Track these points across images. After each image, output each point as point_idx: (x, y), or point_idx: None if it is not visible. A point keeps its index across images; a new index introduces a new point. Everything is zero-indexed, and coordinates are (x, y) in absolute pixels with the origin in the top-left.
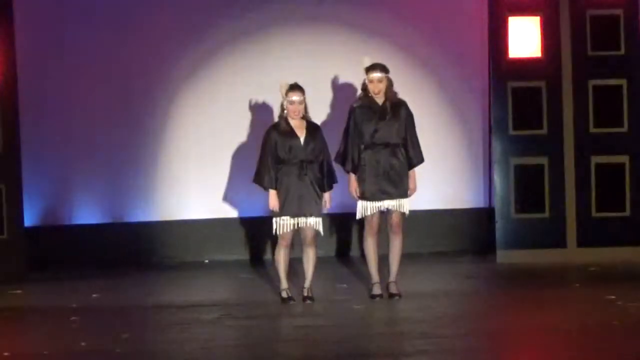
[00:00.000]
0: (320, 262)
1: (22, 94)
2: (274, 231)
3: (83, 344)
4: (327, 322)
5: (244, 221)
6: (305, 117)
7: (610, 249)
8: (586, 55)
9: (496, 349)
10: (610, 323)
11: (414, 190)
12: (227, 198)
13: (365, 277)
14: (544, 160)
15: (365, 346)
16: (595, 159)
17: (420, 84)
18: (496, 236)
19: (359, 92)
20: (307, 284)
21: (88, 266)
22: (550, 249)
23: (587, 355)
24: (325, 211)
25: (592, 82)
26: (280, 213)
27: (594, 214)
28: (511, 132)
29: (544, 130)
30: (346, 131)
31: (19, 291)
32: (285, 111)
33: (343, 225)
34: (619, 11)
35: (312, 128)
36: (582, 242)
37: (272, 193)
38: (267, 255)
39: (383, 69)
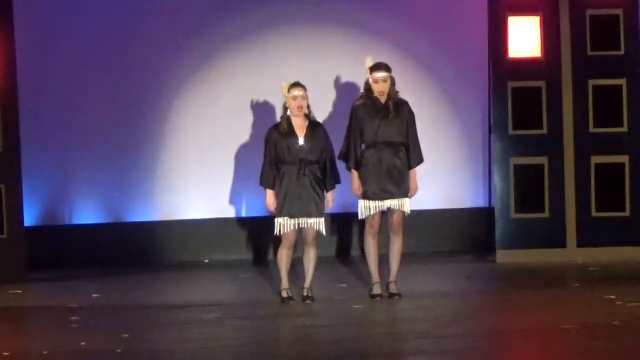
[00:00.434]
0: (320, 262)
1: (22, 94)
2: (275, 232)
3: (83, 344)
4: (327, 322)
5: (244, 221)
6: (308, 117)
7: (610, 249)
8: (586, 55)
9: (496, 349)
10: (610, 323)
11: (416, 190)
12: (227, 198)
13: (365, 277)
14: (544, 160)
15: (365, 346)
16: (595, 159)
17: (420, 83)
18: (496, 236)
19: (362, 91)
20: (307, 284)
21: (88, 266)
22: (550, 249)
23: (587, 355)
24: (327, 211)
25: (592, 82)
26: (280, 214)
27: (594, 214)
28: (511, 132)
29: (544, 130)
30: (349, 130)
31: (19, 291)
32: (288, 110)
33: (343, 225)
34: (619, 11)
35: (313, 128)
36: (582, 242)
37: (269, 193)
38: (267, 255)
39: (387, 68)
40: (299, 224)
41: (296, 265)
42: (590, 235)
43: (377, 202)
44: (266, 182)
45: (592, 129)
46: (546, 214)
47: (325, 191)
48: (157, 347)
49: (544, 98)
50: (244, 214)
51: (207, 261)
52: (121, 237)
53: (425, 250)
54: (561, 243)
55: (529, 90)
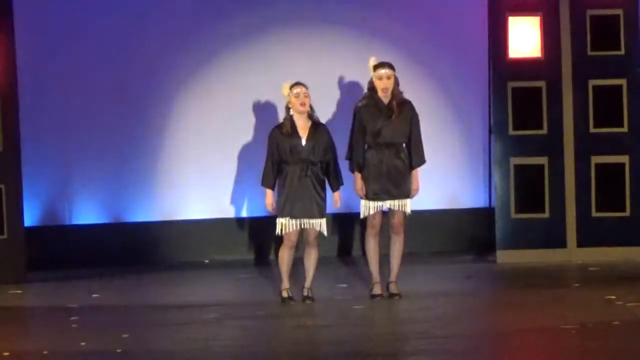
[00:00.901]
0: (321, 261)
1: (22, 94)
2: (277, 232)
3: (83, 344)
4: (327, 322)
5: (244, 221)
6: (311, 117)
7: (610, 249)
8: (586, 55)
9: (496, 349)
10: (610, 323)
11: (417, 190)
12: (227, 198)
13: (365, 277)
14: (544, 160)
15: (365, 346)
16: (595, 159)
17: (420, 83)
18: (496, 236)
19: (364, 91)
20: (307, 284)
21: (88, 266)
22: (550, 249)
23: (587, 355)
24: (335, 210)
25: (592, 82)
26: (282, 214)
27: (594, 214)
28: (511, 132)
29: (544, 130)
30: (351, 131)
31: (19, 291)
32: (291, 110)
33: (344, 225)
34: (619, 11)
35: (316, 128)
36: (582, 242)
37: (268, 192)
38: (267, 256)
39: (391, 66)
40: (300, 224)
41: (297, 265)
42: (590, 235)
43: (377, 202)
44: (267, 181)
45: (592, 129)
46: (546, 214)
47: (325, 191)
48: (157, 347)
49: (544, 98)
50: (244, 214)
51: (207, 261)
52: (121, 237)
53: (425, 250)
54: (561, 243)
55: (529, 90)
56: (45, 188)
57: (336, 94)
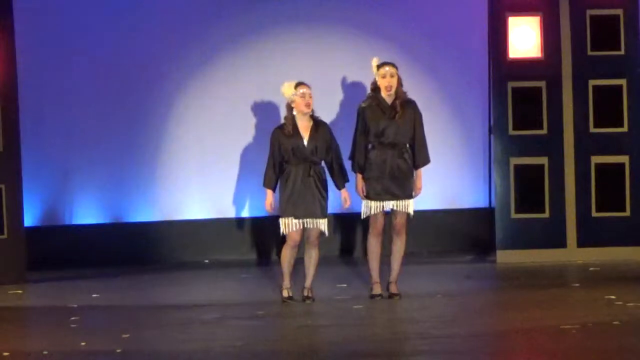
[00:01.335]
0: (321, 261)
1: (22, 94)
2: (280, 231)
3: (83, 344)
4: (327, 322)
5: (244, 221)
6: (312, 116)
7: (610, 249)
8: (586, 55)
9: (496, 349)
10: (610, 323)
11: (420, 189)
12: (227, 198)
13: (365, 277)
14: (544, 160)
15: (365, 346)
16: (595, 159)
17: (421, 83)
18: (496, 236)
19: (368, 92)
20: (307, 283)
21: (88, 266)
22: (550, 249)
23: (587, 355)
24: (335, 209)
25: (592, 82)
26: (285, 214)
27: (594, 214)
28: (511, 132)
29: (544, 130)
30: (355, 131)
31: (19, 291)
32: (294, 110)
33: (345, 225)
34: (619, 11)
35: (318, 128)
36: (582, 242)
37: (268, 193)
38: (267, 256)
39: (394, 65)
40: (303, 224)
41: (297, 264)
42: (590, 235)
43: (379, 202)
44: (268, 182)
45: (592, 129)
46: (546, 214)
47: (327, 191)
48: (157, 347)
49: (544, 98)
50: (244, 214)
51: (207, 261)
52: (121, 237)
53: (425, 250)
54: (561, 243)
55: (529, 90)
56: (45, 188)
57: (337, 94)
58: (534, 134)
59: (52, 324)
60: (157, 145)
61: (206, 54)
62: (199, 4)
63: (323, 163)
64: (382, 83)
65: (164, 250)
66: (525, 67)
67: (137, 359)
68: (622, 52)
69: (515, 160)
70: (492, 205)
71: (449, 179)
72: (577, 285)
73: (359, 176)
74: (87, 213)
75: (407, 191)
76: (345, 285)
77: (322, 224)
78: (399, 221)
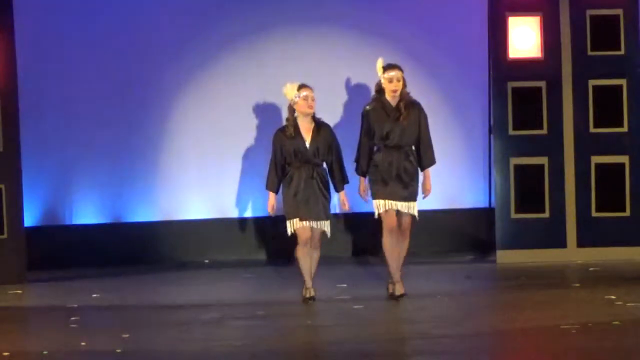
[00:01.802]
0: (322, 261)
1: (22, 94)
2: (288, 232)
3: (83, 344)
4: (327, 322)
5: (244, 221)
6: (314, 118)
7: (610, 249)
8: (586, 55)
9: (496, 349)
10: (610, 323)
11: (430, 190)
12: (227, 198)
13: (365, 278)
14: (544, 160)
15: (365, 346)
16: (595, 159)
17: (420, 83)
18: (496, 236)
19: (371, 92)
20: (308, 284)
21: (88, 266)
22: (550, 249)
23: (587, 355)
24: (347, 211)
25: (592, 82)
26: (289, 216)
27: (594, 214)
28: (511, 132)
29: (544, 130)
30: (360, 134)
31: (19, 291)
32: (296, 112)
33: (347, 225)
34: (619, 11)
35: (319, 129)
36: (582, 242)
37: (271, 195)
38: (268, 256)
39: (400, 68)
40: (309, 225)
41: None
42: (590, 235)
43: (389, 201)
44: (270, 185)
45: (592, 129)
46: (546, 214)
47: (330, 193)
48: (157, 347)
49: (544, 98)
50: (244, 214)
51: (207, 261)
52: (121, 237)
53: (425, 250)
54: (561, 243)
55: (529, 90)
56: (45, 188)
57: (337, 94)
58: (534, 134)
59: (52, 324)
60: (157, 145)
61: (206, 54)
62: (199, 4)
63: (325, 164)
64: (388, 87)
65: (164, 250)
66: (525, 67)
67: (137, 359)
68: (622, 52)
69: (515, 160)
70: (492, 205)
71: (449, 179)
72: (577, 285)
73: (362, 180)
74: (87, 213)
75: (412, 193)
76: (345, 285)
77: (325, 226)
78: (405, 223)
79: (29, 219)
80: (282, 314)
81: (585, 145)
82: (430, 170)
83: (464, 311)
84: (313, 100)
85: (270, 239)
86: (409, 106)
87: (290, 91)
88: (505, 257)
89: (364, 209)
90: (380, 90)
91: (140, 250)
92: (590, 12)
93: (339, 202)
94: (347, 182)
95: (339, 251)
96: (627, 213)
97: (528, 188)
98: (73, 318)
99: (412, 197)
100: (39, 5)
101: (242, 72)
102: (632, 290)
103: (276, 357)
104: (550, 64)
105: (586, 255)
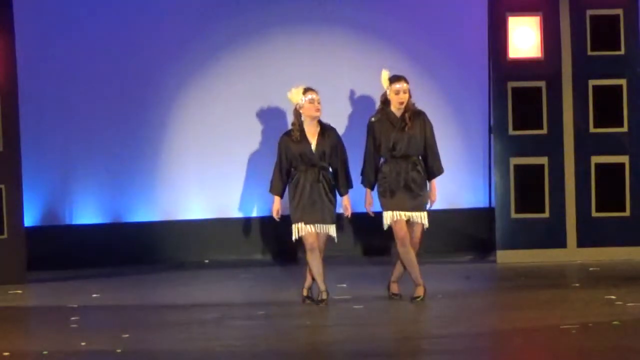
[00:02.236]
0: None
1: (22, 94)
2: (293, 237)
3: (83, 344)
4: (327, 322)
5: (244, 221)
6: (320, 122)
7: (610, 249)
8: (586, 55)
9: (496, 348)
10: (610, 323)
11: (435, 200)
12: (227, 198)
13: (365, 278)
14: (544, 160)
15: (365, 346)
16: (595, 159)
17: (420, 84)
18: (496, 236)
19: (374, 100)
20: (307, 284)
21: (88, 266)
22: (550, 249)
23: (587, 355)
24: (348, 216)
25: (592, 82)
26: (295, 220)
27: (594, 214)
28: (511, 132)
29: (544, 130)
30: (366, 147)
31: (19, 291)
32: (302, 116)
33: (347, 225)
34: (619, 11)
35: (325, 132)
36: (582, 242)
37: (276, 199)
38: (267, 256)
39: (406, 80)
40: (315, 229)
41: (300, 266)
42: (590, 235)
43: (398, 211)
44: (275, 189)
45: (592, 129)
46: (546, 214)
47: (336, 196)
48: (157, 347)
49: (544, 98)
50: (244, 214)
51: (207, 261)
52: (121, 237)
53: (425, 250)
54: (561, 243)
55: (529, 90)
56: (45, 188)
57: (337, 94)
58: (534, 134)
59: (52, 324)
60: (157, 145)
61: (206, 54)
62: (199, 4)
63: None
64: (395, 99)
65: (164, 250)
66: (525, 67)
67: (137, 359)
68: (622, 52)
69: (515, 160)
70: (492, 205)
71: (449, 179)
72: (577, 285)
73: (368, 192)
74: (87, 213)
75: (421, 203)
76: (345, 285)
77: (331, 230)
78: (416, 234)
79: (29, 219)
80: (282, 314)
81: (585, 145)
82: None
83: (464, 311)
84: (319, 102)
85: (270, 239)
86: (414, 116)
87: (295, 95)
88: (505, 257)
89: (365, 209)
90: (385, 101)
91: (140, 250)
92: (590, 12)
93: (341, 206)
94: (351, 187)
95: (339, 251)
96: (627, 213)
97: (528, 188)
98: (73, 318)
99: (421, 207)
100: (39, 5)
101: (242, 72)
102: (632, 290)
103: (276, 357)
104: (550, 64)
105: (586, 255)
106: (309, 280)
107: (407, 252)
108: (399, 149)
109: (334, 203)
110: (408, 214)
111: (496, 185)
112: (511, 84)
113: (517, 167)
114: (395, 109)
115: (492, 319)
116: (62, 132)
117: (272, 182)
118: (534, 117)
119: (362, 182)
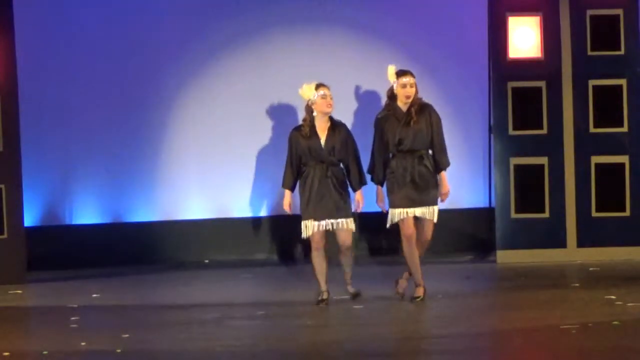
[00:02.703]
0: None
1: (22, 93)
2: (302, 235)
3: (83, 344)
4: (327, 322)
5: (244, 221)
6: (330, 117)
7: (610, 249)
8: (586, 55)
9: (496, 348)
10: (610, 323)
11: (448, 193)
12: (227, 198)
13: (365, 278)
14: (544, 160)
15: (365, 346)
16: (595, 159)
17: (420, 83)
18: (496, 236)
19: (384, 100)
20: (348, 278)
21: (88, 266)
22: (550, 249)
23: (587, 355)
24: (358, 211)
25: (592, 82)
26: (305, 216)
27: (594, 214)
28: (511, 132)
29: (544, 130)
30: (373, 144)
31: (19, 291)
32: (314, 112)
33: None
34: (619, 11)
35: (335, 128)
36: (582, 242)
37: (286, 193)
38: (267, 256)
39: (412, 74)
40: (325, 226)
41: (304, 267)
42: (590, 235)
43: (404, 209)
44: (286, 183)
45: (592, 129)
46: (546, 214)
47: (348, 191)
48: (157, 347)
49: (544, 98)
50: (244, 214)
51: (207, 261)
52: (121, 237)
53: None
54: (561, 243)
55: (529, 90)
56: (45, 188)
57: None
58: (534, 134)
59: (52, 324)
60: (157, 145)
61: (206, 54)
62: (199, 4)
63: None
64: (401, 93)
65: (164, 250)
66: (525, 67)
67: (137, 359)
68: (622, 52)
69: (515, 160)
70: (492, 205)
71: (449, 179)
72: (577, 285)
73: (379, 189)
74: (87, 213)
75: (430, 198)
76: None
77: (347, 223)
78: (426, 230)
79: (29, 219)
80: (282, 314)
81: (585, 145)
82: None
83: (464, 311)
84: (331, 98)
85: (270, 239)
86: (420, 110)
87: (307, 91)
88: (505, 257)
89: (366, 209)
90: (392, 96)
91: (140, 250)
92: (590, 12)
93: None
94: (365, 183)
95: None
96: (627, 213)
97: (528, 188)
98: (73, 318)
99: (428, 202)
100: (39, 6)
101: (242, 72)
102: (632, 290)
103: (276, 357)
104: (550, 64)
105: (586, 255)
106: (348, 277)
107: (412, 252)
108: (405, 144)
109: (344, 197)
110: (415, 210)
111: (496, 185)
112: (511, 84)
113: (517, 167)
114: (402, 103)
115: (492, 319)
116: (62, 132)
117: (284, 176)
118: (534, 117)
119: (372, 180)
